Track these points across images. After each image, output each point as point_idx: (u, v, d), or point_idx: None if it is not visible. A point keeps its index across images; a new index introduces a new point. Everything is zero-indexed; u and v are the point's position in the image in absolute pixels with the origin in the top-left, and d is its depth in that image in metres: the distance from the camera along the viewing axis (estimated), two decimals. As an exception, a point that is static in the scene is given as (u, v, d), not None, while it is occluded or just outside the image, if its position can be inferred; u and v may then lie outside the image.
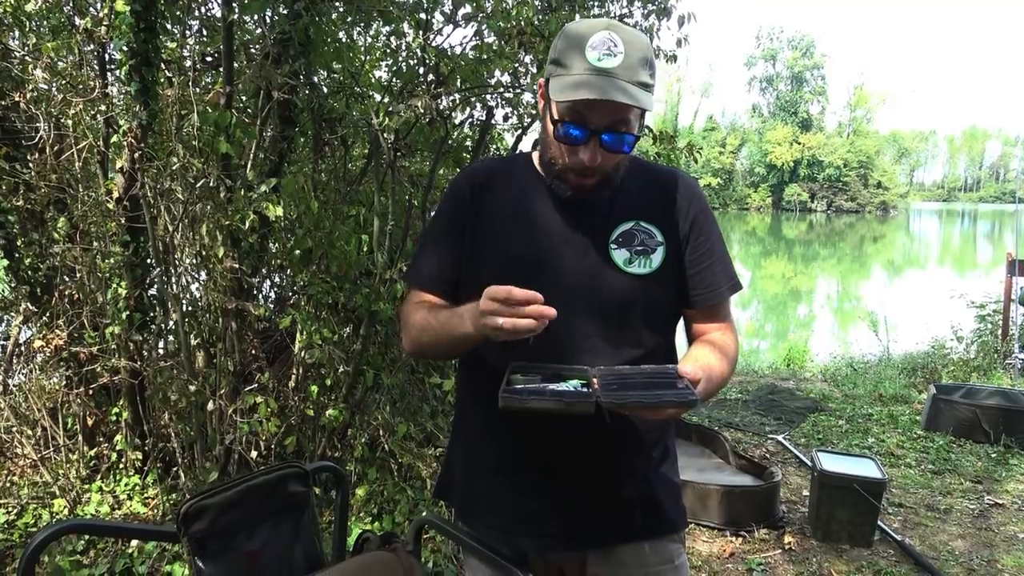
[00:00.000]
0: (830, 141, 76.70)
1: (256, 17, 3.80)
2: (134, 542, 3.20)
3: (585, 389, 1.34)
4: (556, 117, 1.44)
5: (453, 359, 3.74)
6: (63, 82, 3.72)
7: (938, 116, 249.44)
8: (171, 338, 3.83)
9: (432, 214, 2.44)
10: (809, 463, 4.53)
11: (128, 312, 3.48)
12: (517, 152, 4.03)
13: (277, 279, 4.38)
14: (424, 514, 3.41)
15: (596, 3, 4.16)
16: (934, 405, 5.74)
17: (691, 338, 1.65)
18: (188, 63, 3.62)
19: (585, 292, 1.51)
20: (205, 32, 3.96)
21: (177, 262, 3.59)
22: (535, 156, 1.63)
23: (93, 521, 1.70)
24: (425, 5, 3.70)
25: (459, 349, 1.60)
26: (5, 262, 3.55)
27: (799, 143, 74.70)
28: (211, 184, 3.26)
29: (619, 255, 1.53)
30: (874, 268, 30.22)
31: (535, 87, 3.82)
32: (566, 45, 1.43)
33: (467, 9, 3.66)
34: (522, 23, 3.42)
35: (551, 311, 1.29)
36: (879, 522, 3.91)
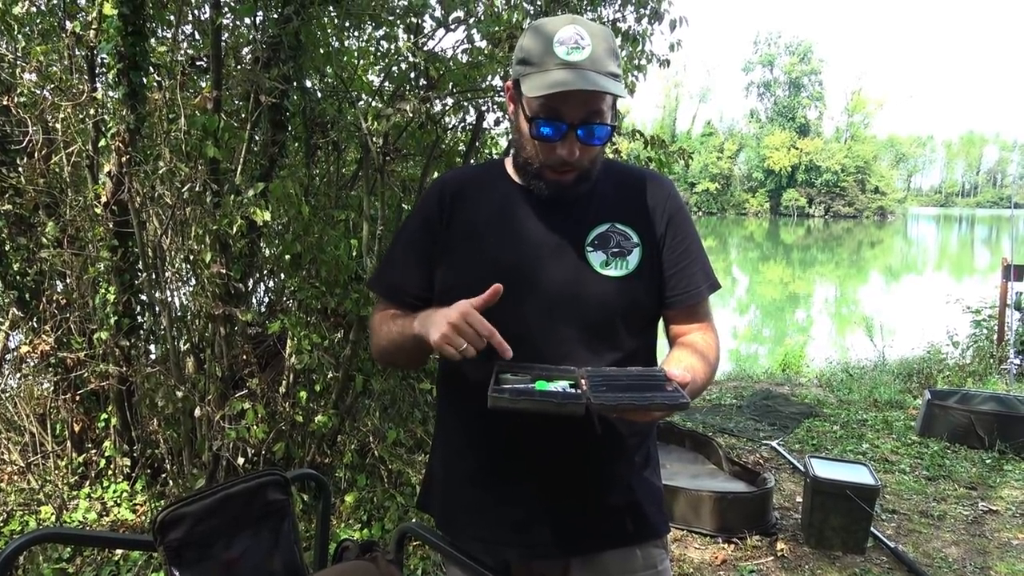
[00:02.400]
0: (828, 146, 76.86)
1: (247, 21, 3.78)
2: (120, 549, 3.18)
3: (574, 390, 1.33)
4: (530, 115, 1.44)
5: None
6: (52, 86, 3.70)
7: (936, 121, 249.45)
8: (161, 343, 3.81)
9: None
10: (803, 469, 4.51)
11: (116, 317, 3.46)
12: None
13: (270, 283, 4.36)
14: (413, 521, 3.38)
15: (588, 7, 4.15)
16: (929, 411, 5.72)
17: (671, 339, 1.64)
18: (177, 67, 3.60)
19: (563, 296, 1.51)
20: (197, 36, 3.94)
21: (166, 267, 3.57)
22: (508, 162, 1.62)
23: (65, 530, 1.67)
24: (416, 9, 3.69)
25: (418, 356, 1.61)
26: (-7, 267, 3.53)
27: (797, 148, 74.84)
28: (198, 189, 3.24)
29: (595, 258, 1.52)
30: (871, 273, 30.23)
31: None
32: (532, 44, 1.44)
33: (458, 13, 3.64)
34: (512, 27, 3.41)
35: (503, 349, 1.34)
36: (872, 529, 3.88)
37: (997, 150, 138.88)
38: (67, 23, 3.65)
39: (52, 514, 3.42)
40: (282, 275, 3.95)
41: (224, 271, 3.22)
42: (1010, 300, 8.16)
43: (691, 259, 1.59)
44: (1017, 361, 7.77)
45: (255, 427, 3.26)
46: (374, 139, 3.35)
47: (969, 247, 47.80)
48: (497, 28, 3.41)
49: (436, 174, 4.07)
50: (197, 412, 3.31)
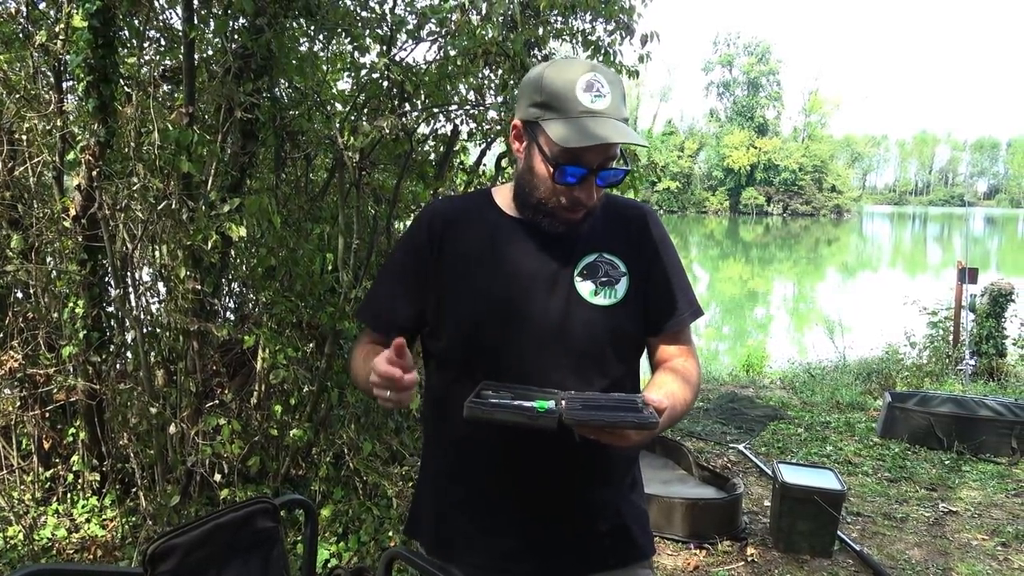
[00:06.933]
0: (786, 146, 77.98)
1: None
2: None
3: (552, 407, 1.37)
4: (552, 158, 1.45)
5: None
6: (17, 96, 3.62)
7: (890, 121, 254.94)
8: (129, 355, 3.75)
9: (394, 243, 2.45)
10: (770, 472, 4.60)
11: (85, 331, 3.41)
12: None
13: (237, 289, 4.32)
14: (392, 536, 3.38)
15: (560, 21, 4.17)
16: (889, 413, 5.86)
17: (654, 364, 1.68)
18: (148, 77, 3.54)
19: (555, 326, 1.54)
20: (163, 42, 3.89)
21: (137, 281, 3.53)
22: (495, 193, 1.65)
23: (56, 566, 1.66)
24: (389, 22, 3.68)
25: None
26: (-44, 281, 3.46)
27: (755, 147, 75.81)
28: (175, 206, 3.20)
29: (584, 287, 1.55)
30: (829, 270, 30.77)
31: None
32: (553, 88, 1.43)
33: (432, 26, 3.65)
34: (486, 42, 3.42)
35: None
36: (838, 532, 3.98)
37: (949, 149, 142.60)
38: (31, 30, 3.57)
39: (21, 532, 3.36)
40: (254, 287, 3.92)
41: (199, 287, 3.19)
42: (965, 302, 8.38)
43: (675, 287, 1.64)
44: (972, 362, 7.99)
45: (229, 444, 3.23)
46: (350, 154, 3.34)
47: (922, 244, 48.95)
48: (473, 45, 3.41)
49: (408, 183, 4.07)
50: (171, 429, 3.28)
